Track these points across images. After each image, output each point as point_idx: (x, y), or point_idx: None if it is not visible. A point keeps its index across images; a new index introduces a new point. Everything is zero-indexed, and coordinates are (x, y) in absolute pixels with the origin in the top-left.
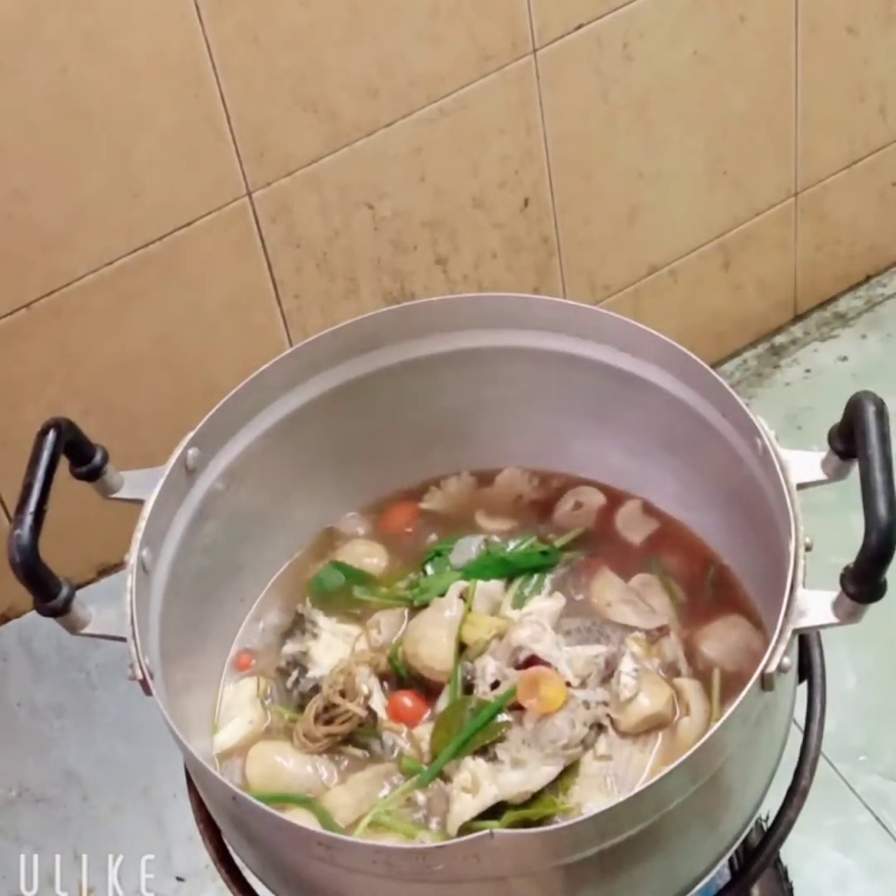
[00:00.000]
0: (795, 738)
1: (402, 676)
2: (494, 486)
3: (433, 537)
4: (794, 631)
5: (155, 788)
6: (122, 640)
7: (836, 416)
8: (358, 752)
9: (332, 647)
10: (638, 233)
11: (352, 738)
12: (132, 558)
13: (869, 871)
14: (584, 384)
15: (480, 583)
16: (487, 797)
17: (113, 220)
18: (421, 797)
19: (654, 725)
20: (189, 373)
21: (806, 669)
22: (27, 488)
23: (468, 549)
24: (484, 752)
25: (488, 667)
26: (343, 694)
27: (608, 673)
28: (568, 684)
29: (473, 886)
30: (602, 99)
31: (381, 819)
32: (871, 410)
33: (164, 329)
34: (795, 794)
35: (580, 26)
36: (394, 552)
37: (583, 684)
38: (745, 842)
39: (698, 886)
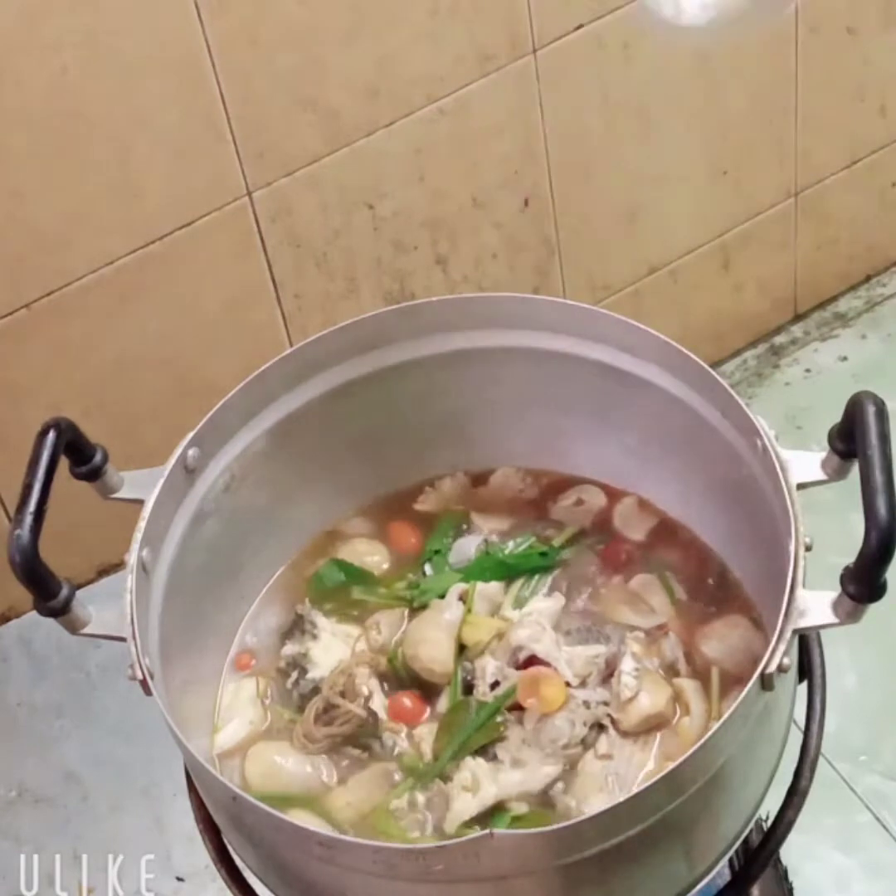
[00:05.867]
0: (795, 738)
1: (402, 677)
2: (489, 485)
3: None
4: (794, 631)
5: (155, 788)
6: (122, 640)
7: (836, 416)
8: (358, 753)
9: (332, 647)
10: (638, 233)
11: (352, 738)
12: (132, 558)
13: (869, 871)
14: (584, 384)
15: (480, 584)
16: (487, 797)
17: (113, 220)
18: (421, 797)
19: (654, 725)
20: (189, 373)
21: (806, 669)
22: (27, 488)
23: (467, 549)
24: (484, 751)
25: (488, 667)
26: (343, 695)
27: (608, 673)
28: (568, 684)
29: (473, 886)
30: (602, 99)
31: (380, 820)
32: (871, 410)
33: (164, 329)
34: (795, 795)
35: (580, 26)
36: (394, 552)
37: (583, 684)
38: (745, 842)
39: (698, 886)
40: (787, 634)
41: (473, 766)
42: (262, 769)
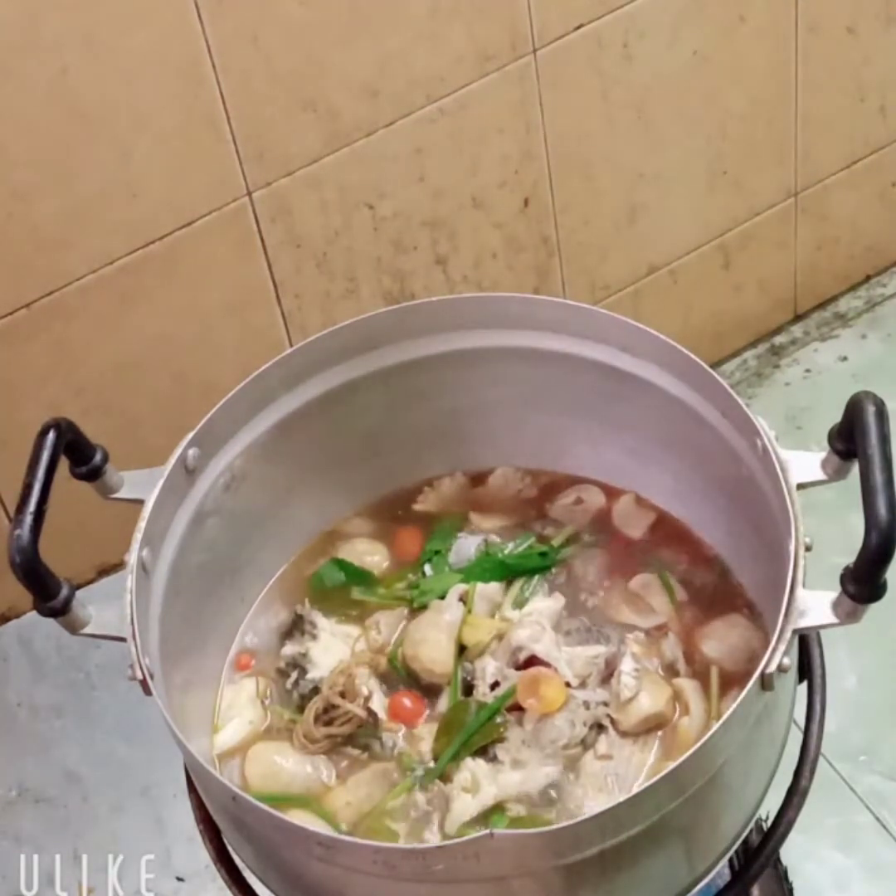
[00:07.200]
0: (795, 738)
1: (402, 677)
2: (488, 485)
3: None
4: (794, 631)
5: (155, 788)
6: (122, 640)
7: (836, 416)
8: (358, 753)
9: (332, 647)
10: (638, 233)
11: (352, 738)
12: (132, 558)
13: (869, 871)
14: (584, 384)
15: (480, 585)
16: (487, 797)
17: (113, 220)
18: (421, 797)
19: (654, 725)
20: (189, 373)
21: (806, 669)
22: (27, 488)
23: (467, 549)
24: (484, 752)
25: (488, 667)
26: (343, 695)
27: (608, 673)
28: (568, 684)
29: (473, 886)
30: (602, 99)
31: (379, 820)
32: (871, 410)
33: (164, 329)
34: (795, 794)
35: (580, 26)
36: (394, 552)
37: (583, 684)
38: (745, 842)
39: (698, 886)
40: (787, 634)
41: (473, 766)
42: (262, 769)
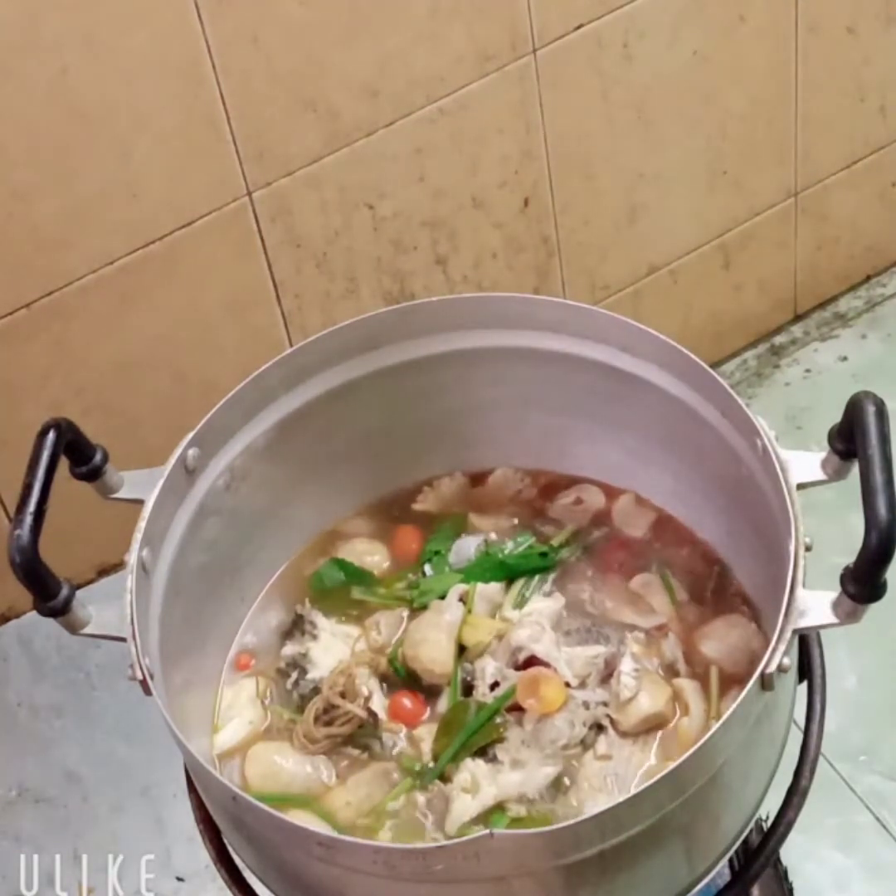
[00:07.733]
0: (795, 738)
1: (402, 677)
2: (488, 485)
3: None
4: (794, 631)
5: (155, 788)
6: (122, 640)
7: (836, 416)
8: (358, 753)
9: (332, 647)
10: (638, 233)
11: (352, 738)
12: (132, 558)
13: (869, 871)
14: (584, 384)
15: (480, 585)
16: (487, 798)
17: (113, 220)
18: (420, 798)
19: (653, 725)
20: (189, 373)
21: (806, 669)
22: (27, 488)
23: (467, 549)
24: (484, 752)
25: (488, 667)
26: (343, 695)
27: (608, 673)
28: (567, 684)
29: (473, 886)
30: (602, 99)
31: (379, 821)
32: (871, 410)
33: (164, 329)
34: (795, 794)
35: (580, 26)
36: (394, 552)
37: (582, 684)
38: (745, 842)
39: (698, 886)
40: (787, 634)
41: (473, 767)
42: (262, 769)
